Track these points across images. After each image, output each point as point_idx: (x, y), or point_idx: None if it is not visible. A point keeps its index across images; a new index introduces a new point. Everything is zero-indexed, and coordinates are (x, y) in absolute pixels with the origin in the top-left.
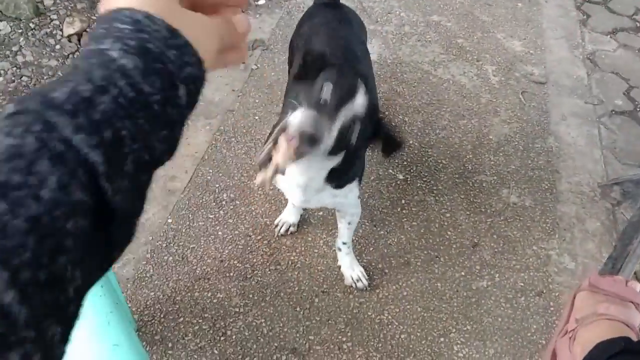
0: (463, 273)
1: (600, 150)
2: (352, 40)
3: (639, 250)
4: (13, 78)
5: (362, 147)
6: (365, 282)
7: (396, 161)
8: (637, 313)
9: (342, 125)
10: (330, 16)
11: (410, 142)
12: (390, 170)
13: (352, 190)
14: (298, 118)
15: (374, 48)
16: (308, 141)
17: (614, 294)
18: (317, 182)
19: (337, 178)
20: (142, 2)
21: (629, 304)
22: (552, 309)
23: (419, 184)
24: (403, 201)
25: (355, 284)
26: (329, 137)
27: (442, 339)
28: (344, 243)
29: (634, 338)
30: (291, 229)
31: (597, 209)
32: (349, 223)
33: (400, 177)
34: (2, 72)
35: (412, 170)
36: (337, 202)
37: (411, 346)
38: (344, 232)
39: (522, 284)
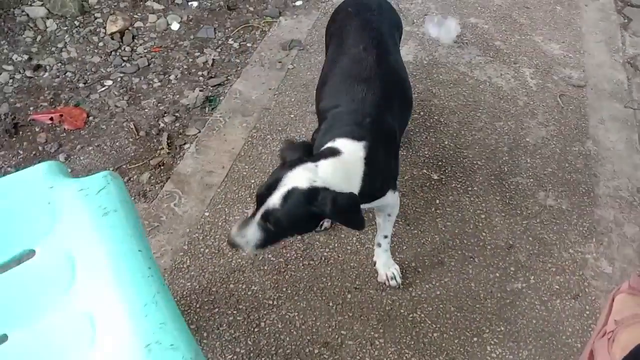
0: (497, 274)
1: (639, 155)
2: (383, 31)
3: None
4: (58, 73)
5: (381, 174)
6: (399, 280)
7: (431, 161)
8: None
9: (261, 226)
10: (364, 7)
11: (446, 142)
12: (425, 171)
13: (387, 198)
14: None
15: (410, 49)
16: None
17: None
18: None
19: (369, 196)
20: None
21: None
22: (587, 312)
23: (453, 185)
24: (437, 201)
25: (388, 281)
26: (249, 243)
27: (475, 339)
28: (385, 237)
29: None
30: (325, 224)
31: (637, 214)
32: (389, 215)
33: (435, 177)
34: (47, 67)
35: (447, 171)
36: (376, 205)
37: (444, 345)
38: (385, 225)
39: (557, 287)
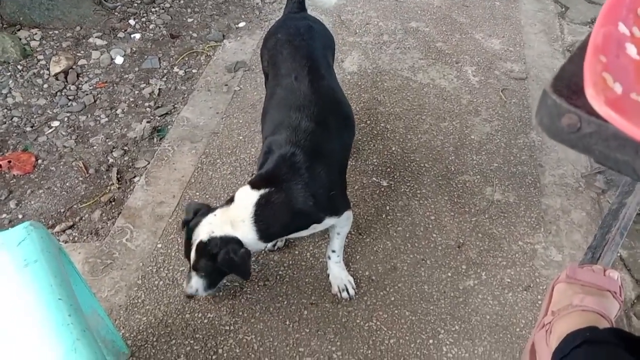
0: (450, 274)
1: None
2: (314, 55)
3: (617, 238)
4: (4, 120)
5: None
6: (352, 292)
7: (380, 168)
8: (614, 302)
9: (198, 275)
10: (294, 31)
11: (393, 148)
12: (374, 178)
13: (325, 223)
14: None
15: (354, 59)
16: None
17: (591, 284)
18: None
19: (307, 224)
20: None
21: (607, 293)
22: (539, 302)
23: (402, 189)
24: (388, 207)
25: (340, 293)
26: (198, 290)
27: (430, 341)
28: (334, 251)
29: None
30: (279, 243)
31: (582, 199)
32: (338, 233)
33: (384, 183)
34: None
35: (395, 176)
36: (319, 228)
37: (400, 350)
38: (334, 241)
39: (508, 280)
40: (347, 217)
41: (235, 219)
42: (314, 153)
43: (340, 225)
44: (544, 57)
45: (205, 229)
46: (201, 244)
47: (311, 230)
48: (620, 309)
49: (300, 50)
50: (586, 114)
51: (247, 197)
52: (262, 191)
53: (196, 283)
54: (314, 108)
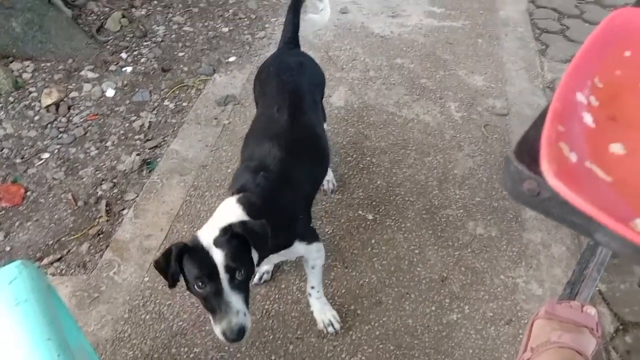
0: (433, 308)
1: None
2: (300, 90)
3: (595, 274)
4: None
5: (288, 216)
6: (337, 326)
7: (365, 202)
8: (590, 338)
9: (233, 287)
10: (285, 65)
11: (379, 182)
12: (360, 212)
13: (296, 248)
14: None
15: (341, 94)
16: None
17: (568, 320)
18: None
19: (273, 246)
20: None
21: (584, 329)
22: (521, 336)
23: (387, 223)
24: (373, 241)
25: (326, 328)
26: (244, 313)
27: None
28: (313, 287)
29: None
30: (265, 276)
31: (562, 233)
32: (313, 267)
33: (370, 217)
34: None
35: (380, 210)
36: (288, 256)
37: None
38: (311, 277)
39: (491, 314)
40: (318, 249)
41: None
42: (281, 179)
43: (312, 257)
44: (525, 94)
45: (212, 232)
46: (221, 239)
47: (283, 256)
48: (597, 345)
49: (287, 85)
50: (544, 180)
51: (228, 206)
52: (238, 197)
53: (237, 301)
54: (288, 139)
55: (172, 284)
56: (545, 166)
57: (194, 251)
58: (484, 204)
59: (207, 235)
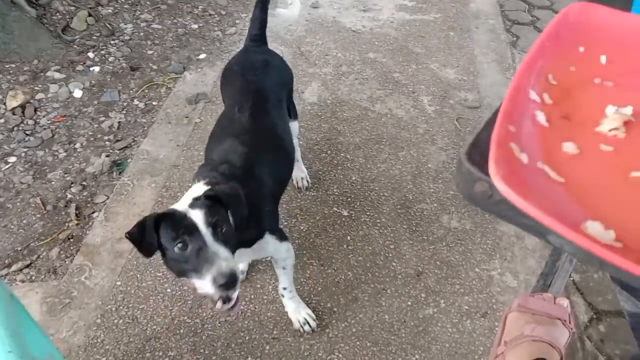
0: (409, 303)
1: None
2: (264, 91)
3: (567, 265)
4: None
5: (256, 205)
6: (313, 324)
7: (340, 198)
8: (563, 330)
9: (217, 239)
10: (249, 64)
11: (353, 178)
12: (335, 208)
13: (267, 242)
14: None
15: (314, 90)
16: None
17: (541, 312)
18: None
19: (244, 239)
20: None
21: (557, 321)
22: (497, 329)
23: (363, 219)
24: (349, 237)
25: (302, 327)
26: (233, 259)
27: None
28: (285, 288)
29: (556, 358)
30: (240, 276)
31: None
32: (283, 268)
33: (345, 213)
34: None
35: (356, 206)
36: (259, 253)
37: None
38: (282, 277)
39: (467, 307)
40: (287, 248)
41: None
42: (246, 172)
43: (282, 257)
44: (497, 86)
45: (185, 202)
46: (196, 202)
47: (255, 253)
48: (570, 337)
49: (250, 85)
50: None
51: (196, 187)
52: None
53: (224, 251)
54: (249, 137)
55: (149, 253)
56: (492, 169)
57: (171, 217)
58: (458, 197)
59: (181, 204)
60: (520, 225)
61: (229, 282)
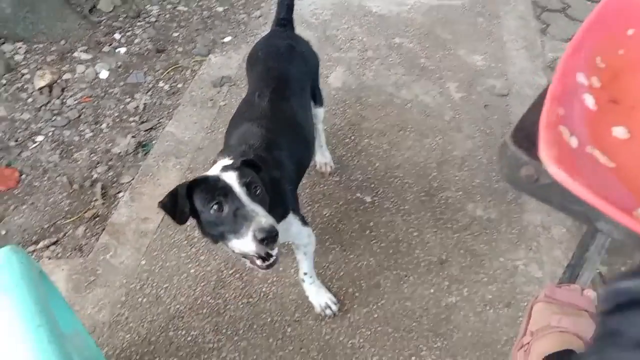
0: (432, 290)
1: None
2: (286, 77)
3: (595, 257)
4: None
5: (280, 184)
6: (335, 309)
7: (364, 184)
8: (590, 322)
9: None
10: (273, 50)
11: (377, 164)
12: (358, 194)
13: (291, 223)
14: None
15: (339, 75)
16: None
17: (569, 304)
18: None
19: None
20: None
21: (584, 313)
22: (520, 319)
23: (386, 205)
24: (371, 223)
25: (324, 311)
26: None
27: (413, 358)
28: (305, 273)
29: (583, 349)
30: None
31: (563, 215)
32: (305, 253)
33: (368, 200)
34: None
35: (379, 193)
36: (283, 236)
37: None
38: (303, 263)
39: (490, 297)
40: (309, 234)
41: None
42: (264, 149)
43: (303, 243)
44: (526, 74)
45: (216, 169)
46: (229, 167)
47: (280, 235)
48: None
49: (272, 71)
50: (543, 166)
51: (222, 160)
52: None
53: (261, 210)
54: (267, 122)
55: (182, 220)
56: (544, 151)
57: (204, 182)
58: (484, 186)
59: (212, 171)
60: (567, 211)
61: (269, 237)
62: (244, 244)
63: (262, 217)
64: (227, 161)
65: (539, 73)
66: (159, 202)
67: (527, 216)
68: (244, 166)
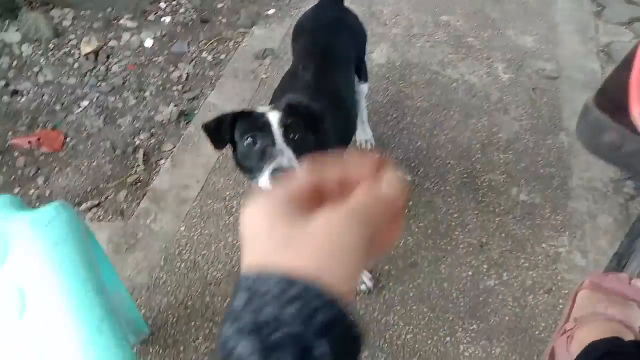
0: (470, 273)
1: None
2: (331, 49)
3: None
4: (34, 97)
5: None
6: (370, 284)
7: (404, 163)
8: (638, 312)
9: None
10: (321, 22)
11: (419, 144)
12: (399, 173)
13: None
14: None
15: (383, 51)
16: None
17: (616, 292)
18: None
19: None
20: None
21: (631, 303)
22: (561, 307)
23: (426, 186)
24: (411, 203)
25: (359, 287)
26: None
27: (448, 339)
28: None
29: (631, 339)
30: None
31: (610, 204)
32: None
33: (409, 178)
34: (24, 92)
35: (420, 172)
36: None
37: (417, 347)
38: None
39: (530, 283)
40: None
41: None
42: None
43: None
44: (577, 58)
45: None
46: (278, 107)
47: None
48: None
49: (318, 44)
50: (631, 132)
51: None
52: None
53: (290, 154)
54: (311, 93)
55: (220, 145)
56: (637, 112)
57: (249, 115)
58: (529, 170)
59: (261, 109)
60: None
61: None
62: (262, 181)
63: (286, 158)
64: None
65: (591, 58)
66: (203, 124)
67: (573, 203)
68: (292, 111)
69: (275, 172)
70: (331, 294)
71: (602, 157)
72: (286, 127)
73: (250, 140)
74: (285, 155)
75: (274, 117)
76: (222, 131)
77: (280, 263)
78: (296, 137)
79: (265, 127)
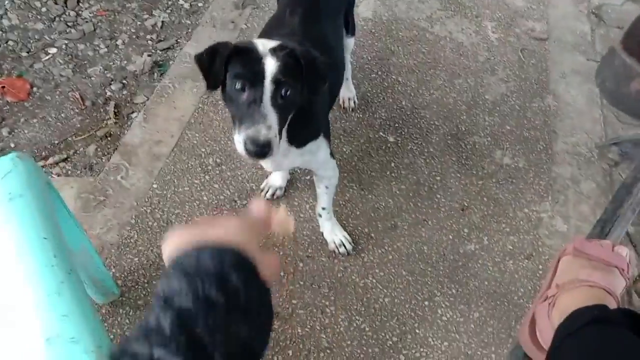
0: (451, 236)
1: (600, 110)
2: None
3: (629, 213)
4: None
5: (316, 103)
6: (349, 247)
7: (388, 123)
8: (620, 279)
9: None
10: None
11: (403, 103)
12: (381, 133)
13: (319, 148)
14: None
15: (369, 4)
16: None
17: (598, 258)
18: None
19: (297, 137)
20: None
21: (614, 270)
22: (540, 272)
23: (409, 147)
24: (393, 164)
25: (337, 249)
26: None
27: (426, 303)
28: (324, 208)
29: (614, 305)
30: (278, 192)
31: (594, 170)
32: (327, 187)
33: (391, 139)
34: None
35: (403, 133)
36: (306, 160)
37: (394, 310)
38: (323, 197)
39: (510, 247)
40: (334, 166)
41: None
42: None
43: (327, 175)
44: (568, 19)
45: (269, 44)
46: (279, 52)
47: (304, 157)
48: (625, 286)
49: None
50: None
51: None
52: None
53: (273, 118)
54: (298, 38)
55: (214, 85)
56: None
57: (246, 52)
58: (514, 133)
59: (263, 44)
60: None
61: (258, 152)
62: (236, 141)
63: (264, 129)
64: (274, 43)
65: (582, 19)
66: (196, 55)
67: (557, 168)
68: (289, 57)
69: (248, 144)
70: (238, 247)
71: (623, 109)
72: (277, 84)
73: (239, 86)
74: (266, 121)
75: (270, 68)
76: (216, 65)
77: (209, 236)
78: (287, 93)
79: (258, 77)
